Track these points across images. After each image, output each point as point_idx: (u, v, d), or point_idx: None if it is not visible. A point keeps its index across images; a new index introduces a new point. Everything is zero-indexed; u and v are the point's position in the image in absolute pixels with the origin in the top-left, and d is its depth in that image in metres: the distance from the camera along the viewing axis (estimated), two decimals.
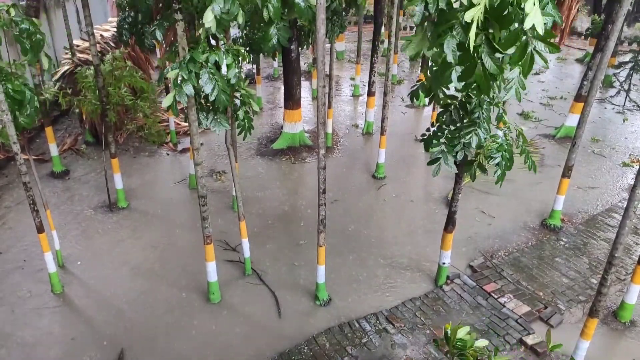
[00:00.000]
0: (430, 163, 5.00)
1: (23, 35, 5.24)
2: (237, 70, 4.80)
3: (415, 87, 5.17)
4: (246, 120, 5.58)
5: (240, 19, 4.34)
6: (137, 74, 8.62)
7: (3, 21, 5.14)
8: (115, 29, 8.15)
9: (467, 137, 4.69)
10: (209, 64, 4.58)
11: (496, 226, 7.97)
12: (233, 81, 4.77)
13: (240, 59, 4.94)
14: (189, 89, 4.57)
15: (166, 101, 4.69)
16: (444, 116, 4.93)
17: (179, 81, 4.54)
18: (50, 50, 10.64)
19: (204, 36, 4.67)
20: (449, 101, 4.89)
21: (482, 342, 3.63)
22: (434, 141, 4.93)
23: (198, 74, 4.56)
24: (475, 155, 5.19)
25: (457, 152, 4.84)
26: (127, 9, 6.85)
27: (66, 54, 10.33)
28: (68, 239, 7.42)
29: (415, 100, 5.17)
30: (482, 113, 4.63)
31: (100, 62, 7.37)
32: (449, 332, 3.62)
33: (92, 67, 7.97)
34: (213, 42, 5.14)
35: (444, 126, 4.97)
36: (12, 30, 5.20)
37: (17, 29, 5.20)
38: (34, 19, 5.53)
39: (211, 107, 5.17)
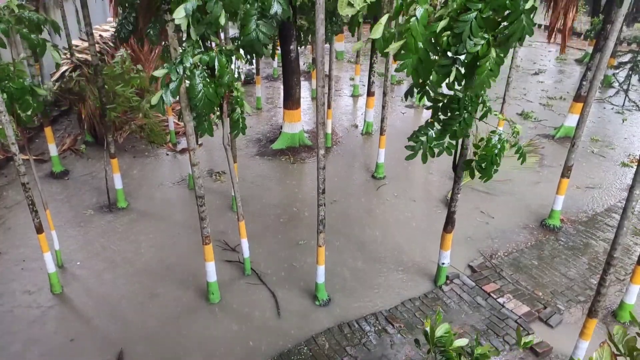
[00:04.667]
0: (408, 158, 5.05)
1: (29, 29, 5.25)
2: (231, 70, 4.79)
3: (411, 85, 5.17)
4: (240, 120, 5.60)
5: (223, 20, 4.31)
6: (143, 74, 8.67)
7: (7, 19, 5.13)
8: (114, 29, 8.19)
9: (454, 127, 4.77)
10: (201, 67, 4.57)
11: (495, 226, 7.98)
12: (225, 81, 4.74)
13: (234, 58, 4.93)
14: (174, 89, 4.55)
15: (153, 99, 4.67)
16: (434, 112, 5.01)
17: (166, 81, 4.55)
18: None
19: (194, 37, 4.66)
20: (439, 98, 4.93)
21: (461, 342, 3.61)
22: (421, 133, 4.97)
23: (189, 76, 4.55)
24: (474, 155, 5.19)
25: (445, 143, 4.92)
26: (127, 9, 6.85)
27: (65, 54, 10.33)
28: (67, 239, 7.42)
29: (410, 98, 5.19)
30: (467, 106, 4.70)
31: (99, 62, 7.38)
32: (428, 330, 3.59)
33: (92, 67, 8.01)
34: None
35: (435, 122, 5.01)
36: (18, 28, 5.19)
37: (25, 23, 5.20)
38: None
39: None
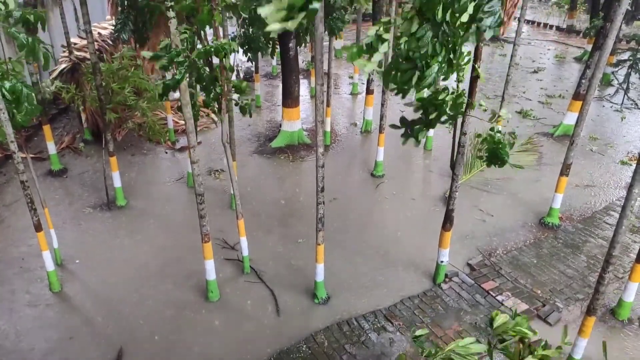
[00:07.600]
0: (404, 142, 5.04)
1: (19, 28, 5.21)
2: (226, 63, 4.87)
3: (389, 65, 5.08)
4: (246, 105, 5.68)
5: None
6: (142, 75, 8.66)
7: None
8: (113, 27, 8.18)
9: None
10: (200, 62, 4.60)
11: (494, 224, 7.98)
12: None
13: (231, 51, 4.96)
14: (180, 79, 4.58)
15: (159, 89, 4.68)
16: None
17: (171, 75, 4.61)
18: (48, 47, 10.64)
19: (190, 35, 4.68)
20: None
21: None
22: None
23: (193, 70, 4.58)
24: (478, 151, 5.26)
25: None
26: (125, 9, 6.85)
27: (64, 52, 10.31)
28: (66, 237, 7.41)
29: (409, 94, 5.19)
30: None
31: (98, 60, 7.36)
32: (495, 318, 3.67)
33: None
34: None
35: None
36: (7, 26, 5.14)
37: (12, 20, 5.17)
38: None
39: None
